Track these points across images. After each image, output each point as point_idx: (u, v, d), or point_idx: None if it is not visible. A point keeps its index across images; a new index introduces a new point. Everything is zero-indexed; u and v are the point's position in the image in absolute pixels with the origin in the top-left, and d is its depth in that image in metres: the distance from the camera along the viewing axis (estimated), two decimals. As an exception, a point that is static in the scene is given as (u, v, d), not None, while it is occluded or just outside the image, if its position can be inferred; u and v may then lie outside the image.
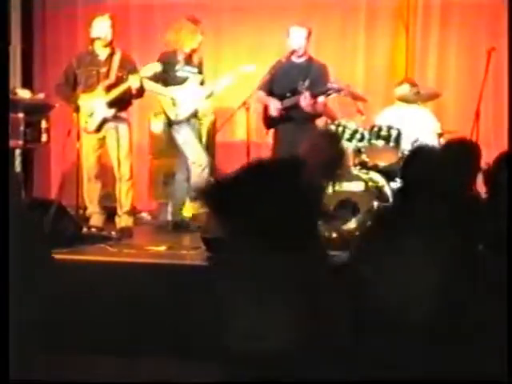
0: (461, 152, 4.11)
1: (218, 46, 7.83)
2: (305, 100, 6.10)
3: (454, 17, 7.37)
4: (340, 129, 6.52)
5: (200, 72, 6.50)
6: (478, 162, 4.12)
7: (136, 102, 6.63)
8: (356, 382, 2.97)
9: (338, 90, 6.16)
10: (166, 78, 6.38)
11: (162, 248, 5.59)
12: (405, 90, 6.69)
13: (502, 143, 6.15)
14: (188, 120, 6.41)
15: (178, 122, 6.39)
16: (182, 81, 6.41)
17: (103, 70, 6.27)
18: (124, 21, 7.47)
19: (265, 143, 6.61)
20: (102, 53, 6.30)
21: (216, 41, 7.80)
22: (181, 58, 6.38)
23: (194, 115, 6.48)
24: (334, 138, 4.58)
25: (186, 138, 6.39)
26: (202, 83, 6.50)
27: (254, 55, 7.63)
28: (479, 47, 6.87)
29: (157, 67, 6.25)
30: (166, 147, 7.39)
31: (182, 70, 6.41)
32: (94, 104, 6.23)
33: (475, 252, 3.50)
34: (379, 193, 5.71)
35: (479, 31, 7.24)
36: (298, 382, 2.75)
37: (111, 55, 6.30)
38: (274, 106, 6.27)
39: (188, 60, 6.42)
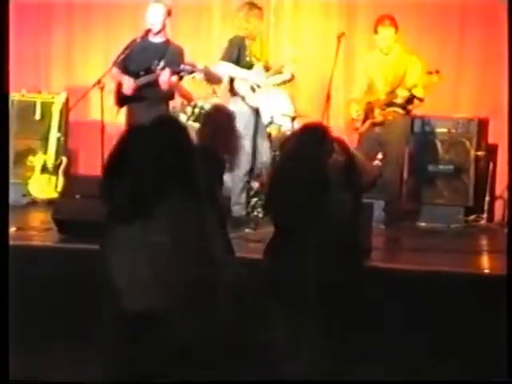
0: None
1: (70, 23, 7.67)
2: (164, 76, 6.03)
3: (306, 1, 7.52)
4: (196, 110, 6.56)
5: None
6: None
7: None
8: (356, 381, 3.02)
9: (192, 72, 6.16)
10: (237, 63, 6.16)
11: (12, 229, 5.43)
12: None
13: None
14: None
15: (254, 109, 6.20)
16: (250, 67, 6.21)
17: None
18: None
19: (117, 123, 6.53)
20: None
21: (68, 18, 7.65)
22: (248, 43, 6.18)
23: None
24: None
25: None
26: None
27: (108, 31, 7.56)
28: (331, 31, 7.03)
29: None
30: (17, 127, 7.20)
31: (249, 56, 6.20)
32: None
33: None
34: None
35: (331, 15, 7.42)
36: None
37: None
38: (128, 84, 6.14)
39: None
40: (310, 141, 3.94)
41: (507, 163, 6.37)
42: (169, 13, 6.23)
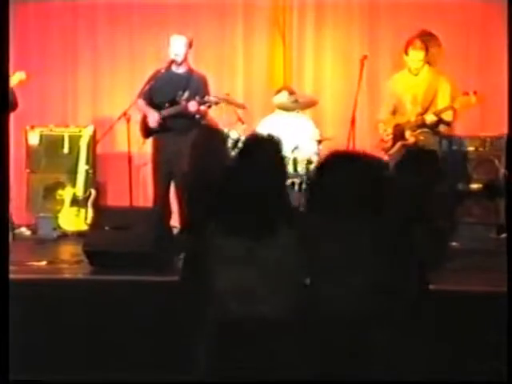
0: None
1: (95, 56, 7.75)
2: (192, 107, 6.11)
3: (328, 26, 7.55)
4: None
5: None
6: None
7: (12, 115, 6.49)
8: (356, 381, 2.97)
9: (216, 103, 6.24)
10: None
11: (43, 263, 5.46)
12: (283, 98, 6.79)
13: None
14: None
15: None
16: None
17: None
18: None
19: (144, 153, 6.58)
20: None
21: (93, 51, 7.73)
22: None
23: None
24: None
25: None
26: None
27: (133, 63, 7.62)
28: (353, 55, 7.06)
29: (22, 76, 6.17)
30: (46, 161, 7.26)
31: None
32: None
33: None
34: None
35: (353, 39, 7.45)
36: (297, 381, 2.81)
37: None
38: (153, 118, 6.23)
39: None
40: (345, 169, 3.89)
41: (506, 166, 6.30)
42: (190, 44, 6.32)
